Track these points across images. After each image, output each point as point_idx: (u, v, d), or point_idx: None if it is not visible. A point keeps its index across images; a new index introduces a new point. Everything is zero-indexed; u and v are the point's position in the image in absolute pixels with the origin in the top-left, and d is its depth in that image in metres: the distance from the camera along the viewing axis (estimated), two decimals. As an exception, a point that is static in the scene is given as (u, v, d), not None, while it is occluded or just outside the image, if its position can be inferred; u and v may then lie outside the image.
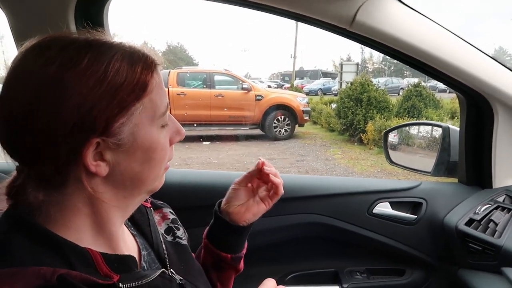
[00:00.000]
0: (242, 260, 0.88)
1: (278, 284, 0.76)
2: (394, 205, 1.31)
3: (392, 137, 1.64)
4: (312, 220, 1.29)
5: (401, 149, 1.62)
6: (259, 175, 0.83)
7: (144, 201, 0.73)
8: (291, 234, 1.32)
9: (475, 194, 1.26)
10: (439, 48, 1.06)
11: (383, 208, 1.30)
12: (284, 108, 9.62)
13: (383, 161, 6.87)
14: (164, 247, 0.70)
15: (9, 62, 0.54)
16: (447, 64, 1.07)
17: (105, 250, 0.57)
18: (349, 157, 7.61)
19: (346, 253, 1.37)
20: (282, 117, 9.61)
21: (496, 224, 1.09)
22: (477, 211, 1.16)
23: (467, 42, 1.09)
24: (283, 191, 0.82)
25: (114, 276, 0.53)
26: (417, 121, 5.29)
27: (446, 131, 1.35)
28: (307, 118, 10.00)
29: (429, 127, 1.57)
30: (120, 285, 0.53)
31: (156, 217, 0.76)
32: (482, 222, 1.12)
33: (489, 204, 1.17)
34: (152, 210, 0.76)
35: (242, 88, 9.65)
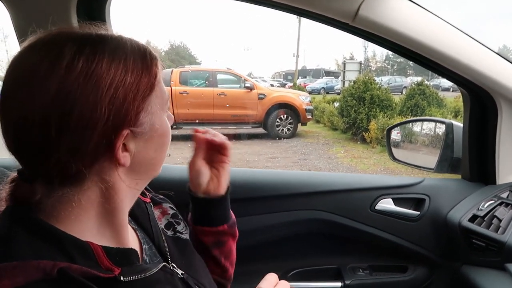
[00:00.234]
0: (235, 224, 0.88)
1: (280, 280, 0.76)
2: (396, 201, 1.30)
3: (395, 134, 1.63)
4: (314, 216, 1.29)
5: (404, 146, 1.61)
6: (203, 145, 0.81)
7: (144, 197, 0.73)
8: (293, 231, 1.32)
9: (478, 190, 1.25)
10: (443, 43, 1.05)
11: (386, 204, 1.29)
12: (287, 107, 9.61)
13: (386, 159, 6.86)
14: (165, 242, 0.70)
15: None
16: (450, 59, 1.07)
17: (111, 242, 0.57)
18: (352, 156, 7.59)
19: (349, 249, 1.37)
20: (285, 115, 9.60)
21: (500, 220, 1.09)
22: (480, 207, 1.15)
23: (471, 37, 1.09)
24: (228, 142, 0.80)
25: (115, 270, 0.52)
26: (420, 117, 5.27)
27: (449, 127, 1.34)
28: (309, 116, 9.98)
29: (432, 124, 1.56)
30: (122, 278, 0.52)
31: (156, 212, 0.76)
32: (485, 218, 1.11)
33: (493, 200, 1.17)
34: (152, 205, 0.76)
35: (245, 87, 9.65)
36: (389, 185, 1.32)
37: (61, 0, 1.06)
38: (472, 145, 1.27)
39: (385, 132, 1.69)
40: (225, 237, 0.85)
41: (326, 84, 28.22)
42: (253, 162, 7.23)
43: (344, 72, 18.79)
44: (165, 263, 0.65)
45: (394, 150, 1.58)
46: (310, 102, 10.39)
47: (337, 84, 24.66)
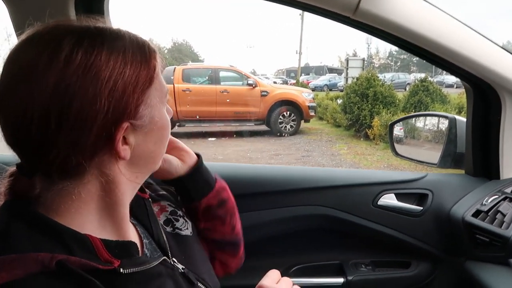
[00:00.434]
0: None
1: (282, 276, 0.75)
2: (399, 196, 1.29)
3: (398, 130, 1.62)
4: (317, 212, 1.28)
5: (407, 141, 1.60)
6: None
7: (143, 193, 0.73)
8: (295, 226, 1.31)
9: (482, 185, 1.24)
10: (446, 37, 1.03)
11: (388, 199, 1.28)
12: (290, 104, 9.61)
13: (389, 156, 6.84)
14: (164, 237, 0.70)
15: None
16: (454, 53, 1.05)
17: (112, 235, 0.57)
18: (355, 153, 7.58)
19: (351, 245, 1.36)
20: (288, 112, 9.59)
21: (504, 215, 1.07)
22: (484, 202, 1.14)
23: (475, 31, 1.07)
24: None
25: (114, 262, 0.52)
26: (423, 112, 5.24)
27: (452, 122, 1.33)
28: (312, 113, 9.97)
29: (436, 119, 1.55)
30: (121, 270, 0.52)
31: (155, 209, 0.76)
32: (489, 213, 1.10)
33: (497, 195, 1.15)
34: (151, 201, 0.75)
35: (248, 84, 9.65)
36: (391, 180, 1.31)
37: (60, -5, 1.06)
38: (475, 140, 1.26)
39: (388, 127, 1.68)
40: (225, 193, 0.84)
41: (329, 81, 28.19)
42: (256, 159, 7.23)
43: (347, 69, 18.72)
44: (165, 257, 0.65)
45: (396, 145, 1.57)
46: (313, 99, 10.39)
47: (340, 81, 24.62)
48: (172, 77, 8.93)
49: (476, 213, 1.12)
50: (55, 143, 0.48)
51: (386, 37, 1.06)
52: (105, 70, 0.49)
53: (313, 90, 16.93)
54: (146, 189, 0.76)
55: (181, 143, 0.79)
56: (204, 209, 0.81)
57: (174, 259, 0.67)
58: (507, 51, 1.10)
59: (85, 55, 0.49)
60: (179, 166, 0.77)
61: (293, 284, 0.74)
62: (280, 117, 9.55)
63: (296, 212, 1.29)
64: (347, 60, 20.42)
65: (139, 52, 0.54)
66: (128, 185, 0.57)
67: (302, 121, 10.00)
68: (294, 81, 22.43)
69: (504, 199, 1.14)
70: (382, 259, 1.36)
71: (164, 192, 0.82)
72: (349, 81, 14.37)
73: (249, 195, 1.25)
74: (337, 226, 1.31)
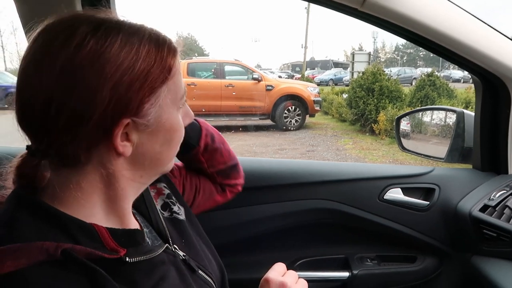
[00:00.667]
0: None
1: (287, 270, 0.75)
2: (406, 191, 1.28)
3: (405, 124, 1.61)
4: (322, 206, 1.28)
5: (414, 136, 1.59)
6: None
7: None
8: (300, 220, 1.31)
9: (490, 180, 1.23)
10: (454, 29, 1.02)
11: (395, 194, 1.27)
12: (295, 98, 9.57)
13: (395, 151, 6.81)
14: (164, 224, 0.70)
15: (22, 53, 0.53)
16: (463, 46, 1.04)
17: (117, 226, 0.57)
18: (360, 147, 7.55)
19: (357, 239, 1.36)
20: (293, 107, 9.56)
21: (512, 210, 1.06)
22: (492, 197, 1.13)
23: (485, 23, 1.05)
24: None
25: (121, 251, 0.53)
26: (431, 106, 5.20)
27: (460, 116, 1.32)
28: (318, 108, 9.93)
29: (442, 113, 1.53)
30: (127, 259, 0.53)
31: (152, 192, 0.75)
32: (497, 208, 1.09)
33: (505, 190, 1.14)
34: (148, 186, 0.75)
35: (253, 78, 9.61)
36: (398, 175, 1.31)
37: (66, -12, 1.05)
38: (484, 134, 1.24)
39: (394, 121, 1.67)
40: (209, 127, 0.90)
41: (335, 75, 28.08)
42: (260, 153, 7.23)
43: (353, 63, 18.63)
44: (167, 245, 0.65)
45: (403, 139, 1.56)
46: (318, 93, 10.33)
47: (346, 75, 24.52)
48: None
49: (484, 208, 1.11)
50: (54, 129, 0.49)
51: (394, 30, 1.05)
52: (113, 62, 0.49)
53: (318, 84, 16.88)
54: None
55: None
56: (203, 150, 0.88)
57: (175, 245, 0.68)
58: (517, 43, 1.08)
59: (96, 45, 0.49)
60: None
61: (299, 277, 0.74)
62: (285, 111, 9.52)
63: (301, 206, 1.28)
64: (353, 54, 20.30)
65: (155, 49, 0.53)
66: (130, 182, 0.57)
67: (307, 116, 9.96)
68: (300, 76, 22.35)
69: (512, 194, 1.12)
70: (388, 253, 1.35)
71: None
72: (355, 76, 14.27)
73: (255, 188, 1.25)
74: (343, 220, 1.30)
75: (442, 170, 1.34)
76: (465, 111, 1.33)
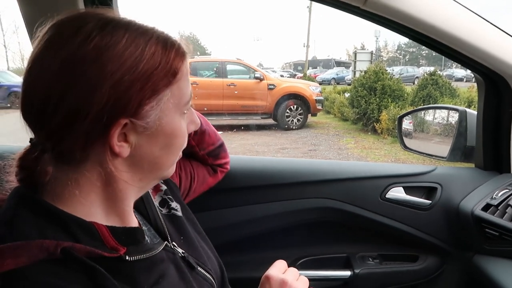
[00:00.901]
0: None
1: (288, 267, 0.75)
2: (407, 190, 1.28)
3: (407, 123, 1.60)
4: (324, 204, 1.28)
5: (416, 135, 1.58)
6: None
7: None
8: (302, 219, 1.31)
9: (492, 179, 1.22)
10: (457, 27, 1.02)
11: (397, 193, 1.27)
12: (297, 98, 9.56)
13: (397, 150, 6.80)
14: (162, 221, 0.70)
15: (24, 52, 0.53)
16: (466, 44, 1.03)
17: (117, 224, 0.57)
18: (362, 147, 7.54)
19: (358, 238, 1.36)
20: (295, 106, 9.55)
21: (514, 209, 1.06)
22: (494, 196, 1.13)
23: (488, 22, 1.05)
24: None
25: (121, 249, 0.53)
26: (433, 105, 5.19)
27: (463, 115, 1.31)
28: (319, 107, 9.92)
29: (445, 112, 1.53)
30: (127, 257, 0.53)
31: (149, 189, 0.75)
32: (499, 207, 1.08)
33: (507, 189, 1.14)
34: None
35: (255, 78, 9.61)
36: (400, 174, 1.30)
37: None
38: (486, 133, 1.24)
39: (396, 120, 1.67)
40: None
41: (337, 74, 28.04)
42: (262, 152, 7.23)
43: (355, 62, 18.56)
44: (166, 242, 0.65)
45: (405, 138, 1.55)
46: (320, 92, 10.32)
47: (348, 74, 24.47)
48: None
49: (486, 207, 1.11)
50: (51, 120, 0.49)
51: (397, 28, 1.05)
52: (116, 60, 0.49)
53: (320, 83, 16.84)
54: None
55: None
56: (193, 133, 0.91)
57: (174, 243, 0.68)
58: (520, 42, 1.07)
59: (100, 41, 0.49)
60: None
61: (300, 275, 0.74)
62: (287, 110, 9.51)
63: (303, 205, 1.28)
64: (355, 53, 20.24)
65: (161, 52, 0.53)
66: (128, 184, 0.57)
67: (309, 115, 9.96)
68: (301, 75, 22.33)
69: (514, 193, 1.12)
70: (390, 252, 1.35)
71: None
72: (357, 75, 14.26)
73: (256, 187, 1.25)
74: (345, 219, 1.30)
75: (444, 169, 1.34)
76: (467, 110, 1.32)
